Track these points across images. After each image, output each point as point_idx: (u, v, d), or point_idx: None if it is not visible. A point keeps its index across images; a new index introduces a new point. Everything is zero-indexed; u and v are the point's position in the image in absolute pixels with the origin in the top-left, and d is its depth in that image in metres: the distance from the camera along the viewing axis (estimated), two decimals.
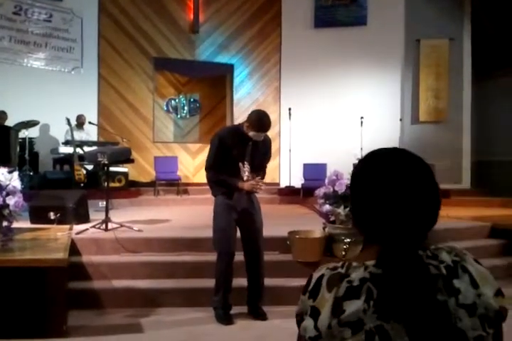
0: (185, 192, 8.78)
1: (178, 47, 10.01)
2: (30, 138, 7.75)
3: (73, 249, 4.16)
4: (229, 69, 10.30)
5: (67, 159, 7.87)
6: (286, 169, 9.26)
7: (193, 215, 6.45)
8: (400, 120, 9.59)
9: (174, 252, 4.44)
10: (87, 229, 4.65)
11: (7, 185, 3.75)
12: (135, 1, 9.59)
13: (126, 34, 9.56)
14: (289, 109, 9.36)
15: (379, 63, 9.65)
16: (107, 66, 9.43)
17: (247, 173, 3.53)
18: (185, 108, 11.39)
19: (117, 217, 5.26)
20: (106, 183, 5.31)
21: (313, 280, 0.93)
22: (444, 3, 9.73)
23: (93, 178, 7.57)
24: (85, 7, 9.22)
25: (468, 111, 9.94)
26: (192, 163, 10.00)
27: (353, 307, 0.85)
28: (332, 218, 4.37)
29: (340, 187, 4.24)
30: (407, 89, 9.91)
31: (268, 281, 3.82)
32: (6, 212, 3.71)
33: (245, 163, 3.55)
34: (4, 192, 3.72)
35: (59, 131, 8.38)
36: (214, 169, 3.62)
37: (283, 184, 9.44)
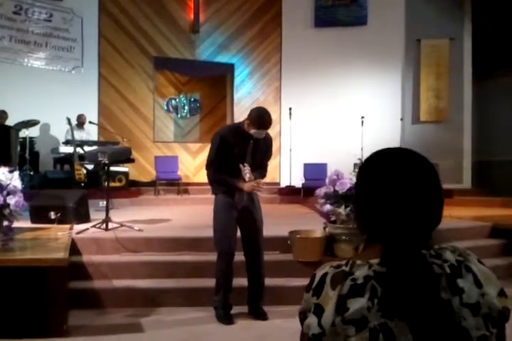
0: (186, 191, 8.78)
1: (178, 47, 10.01)
2: (30, 138, 7.75)
3: (74, 248, 4.16)
4: (229, 68, 10.30)
5: (68, 159, 7.87)
6: (286, 169, 9.26)
7: (193, 215, 6.45)
8: (401, 120, 9.59)
9: (175, 252, 4.44)
10: (87, 229, 4.65)
11: (8, 185, 3.75)
12: (135, 1, 9.59)
13: (126, 33, 9.56)
14: (290, 109, 9.36)
15: (379, 63, 9.64)
16: (107, 65, 9.43)
17: (248, 175, 3.52)
18: (186, 107, 11.39)
19: (118, 216, 5.27)
20: (106, 183, 5.31)
21: (317, 278, 0.93)
22: (445, 3, 9.73)
23: (93, 178, 7.57)
24: (85, 7, 9.22)
25: (468, 110, 9.94)
26: (192, 162, 10.00)
27: (357, 304, 0.86)
28: (333, 218, 4.38)
29: (341, 187, 4.24)
30: (408, 88, 9.91)
31: (269, 281, 3.82)
32: (6, 211, 3.71)
33: (245, 164, 3.54)
34: (5, 192, 3.72)
35: (59, 131, 8.38)
36: (215, 168, 3.62)
37: (283, 184, 9.44)
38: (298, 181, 8.72)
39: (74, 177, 7.40)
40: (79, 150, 7.62)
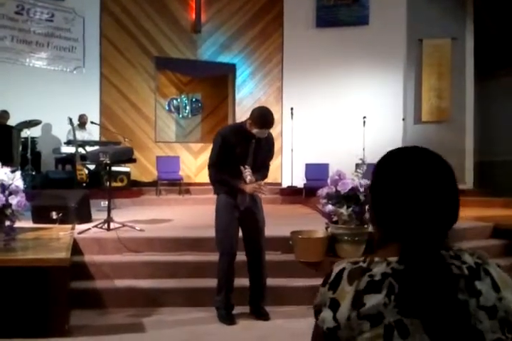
0: (187, 191, 8.78)
1: (180, 47, 10.01)
2: (32, 138, 7.76)
3: (75, 248, 4.17)
4: (231, 68, 10.30)
5: (70, 159, 7.88)
6: (288, 169, 9.26)
7: (194, 215, 6.45)
8: (403, 120, 9.58)
9: (176, 252, 4.44)
10: (89, 229, 4.65)
11: (10, 185, 3.76)
12: (137, 1, 9.59)
13: (128, 33, 9.57)
14: (291, 109, 9.36)
15: (381, 63, 9.63)
16: (108, 65, 9.43)
17: (249, 177, 3.52)
18: (187, 107, 11.39)
19: (119, 216, 5.27)
20: (108, 183, 5.31)
21: (334, 273, 0.94)
22: (447, 3, 9.72)
23: (95, 178, 7.58)
24: (87, 6, 9.23)
25: (470, 110, 9.92)
26: (194, 162, 10.00)
27: (373, 300, 0.87)
28: (335, 218, 4.36)
29: (343, 187, 4.23)
30: (410, 88, 9.90)
31: (270, 281, 3.82)
32: (8, 211, 3.71)
33: (246, 166, 3.53)
34: (7, 192, 3.72)
35: (61, 131, 8.39)
36: (216, 167, 3.61)
37: (285, 184, 9.43)
38: (299, 181, 8.72)
39: (76, 177, 7.41)
40: (81, 150, 7.63)
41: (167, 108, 11.20)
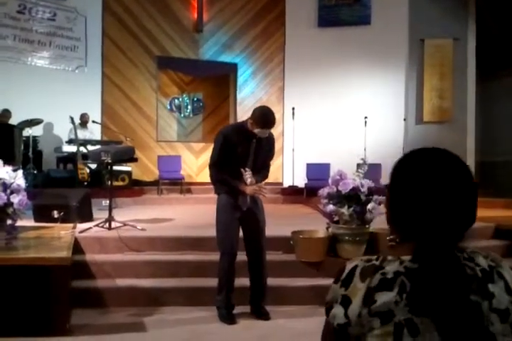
0: (189, 191, 8.78)
1: (181, 47, 10.02)
2: (34, 137, 7.78)
3: (77, 247, 4.17)
4: (232, 68, 10.30)
5: (71, 158, 7.89)
6: (289, 169, 9.26)
7: (196, 214, 6.45)
8: (404, 120, 9.57)
9: (177, 251, 4.44)
10: (90, 228, 4.66)
11: (11, 184, 3.76)
12: (139, 0, 9.60)
13: (130, 33, 9.57)
14: (293, 109, 9.35)
15: (383, 63, 9.62)
16: (110, 65, 9.44)
17: (249, 180, 3.52)
18: (189, 107, 11.39)
19: (121, 215, 5.27)
20: (109, 182, 5.32)
21: (347, 270, 0.95)
22: (449, 3, 9.70)
23: (97, 177, 7.59)
24: (89, 6, 9.24)
25: (472, 111, 9.91)
26: (195, 162, 10.01)
27: (384, 298, 0.87)
28: (336, 218, 4.37)
29: (344, 187, 4.23)
30: (411, 89, 9.89)
31: (271, 281, 3.82)
32: (10, 210, 3.72)
33: (246, 169, 3.54)
34: (8, 191, 3.73)
35: (63, 130, 8.40)
36: (217, 167, 3.61)
37: (286, 184, 9.43)
38: (301, 181, 8.72)
39: (77, 176, 7.42)
40: (82, 149, 7.63)
41: (169, 107, 11.21)
